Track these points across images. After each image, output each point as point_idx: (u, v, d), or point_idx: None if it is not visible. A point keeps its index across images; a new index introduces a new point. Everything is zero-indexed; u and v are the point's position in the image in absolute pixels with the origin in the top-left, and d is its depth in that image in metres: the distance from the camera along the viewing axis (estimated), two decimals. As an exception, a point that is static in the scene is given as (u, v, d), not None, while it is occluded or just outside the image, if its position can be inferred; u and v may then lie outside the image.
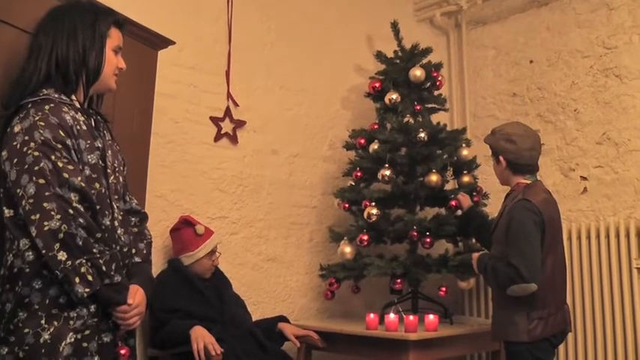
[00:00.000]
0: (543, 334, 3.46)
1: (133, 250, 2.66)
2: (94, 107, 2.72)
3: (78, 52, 2.53)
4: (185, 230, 4.05)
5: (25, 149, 2.30)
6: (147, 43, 3.49)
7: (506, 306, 3.54)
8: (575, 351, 4.70)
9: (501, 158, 3.71)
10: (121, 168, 2.70)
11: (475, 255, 3.82)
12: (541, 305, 3.47)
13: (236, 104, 4.65)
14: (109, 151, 2.59)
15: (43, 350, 2.23)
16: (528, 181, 3.69)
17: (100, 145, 2.53)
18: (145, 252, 2.74)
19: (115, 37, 2.66)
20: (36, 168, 2.27)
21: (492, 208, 4.75)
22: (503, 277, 3.44)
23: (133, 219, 2.76)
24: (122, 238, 2.54)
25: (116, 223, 2.52)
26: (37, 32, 2.57)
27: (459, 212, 4.46)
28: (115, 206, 2.55)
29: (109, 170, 2.55)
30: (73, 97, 2.53)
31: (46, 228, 2.23)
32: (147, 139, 3.54)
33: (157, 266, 4.00)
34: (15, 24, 2.65)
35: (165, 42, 3.63)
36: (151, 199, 3.82)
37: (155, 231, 4.01)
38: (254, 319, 4.22)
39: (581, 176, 5.08)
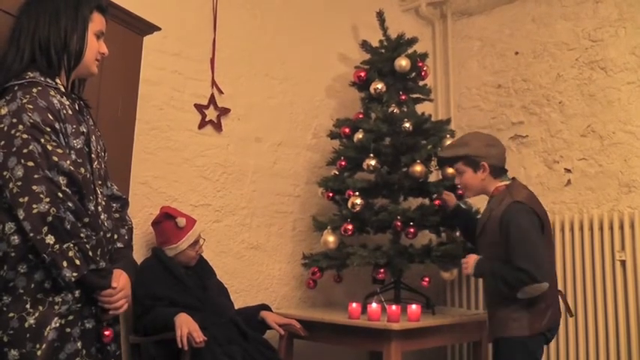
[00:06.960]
0: (542, 327, 3.49)
1: (115, 236, 2.64)
2: (76, 92, 2.69)
3: (59, 35, 2.51)
4: (166, 223, 3.99)
5: (13, 132, 2.27)
6: (132, 28, 3.46)
7: (505, 303, 3.55)
8: (556, 341, 4.71)
9: (485, 164, 3.70)
10: (103, 154, 2.68)
11: (472, 259, 3.76)
12: (540, 299, 3.49)
13: (220, 92, 4.63)
14: (93, 137, 2.57)
15: (27, 335, 2.22)
16: (506, 182, 3.71)
17: (84, 130, 2.51)
18: (126, 237, 2.74)
19: (97, 22, 2.63)
20: (25, 151, 2.25)
21: (475, 200, 4.76)
22: (514, 280, 3.43)
23: (114, 205, 2.75)
24: (105, 224, 2.53)
25: (100, 209, 2.51)
26: (20, 14, 2.54)
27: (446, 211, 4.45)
28: (99, 192, 2.53)
29: (93, 155, 2.53)
30: (58, 81, 2.50)
31: (34, 211, 2.21)
32: (131, 126, 3.52)
33: (140, 253, 3.99)
34: (-1, 6, 2.62)
35: (151, 28, 3.60)
36: (134, 185, 3.81)
37: (138, 218, 4.02)
38: (236, 307, 4.20)
39: (565, 168, 5.09)
